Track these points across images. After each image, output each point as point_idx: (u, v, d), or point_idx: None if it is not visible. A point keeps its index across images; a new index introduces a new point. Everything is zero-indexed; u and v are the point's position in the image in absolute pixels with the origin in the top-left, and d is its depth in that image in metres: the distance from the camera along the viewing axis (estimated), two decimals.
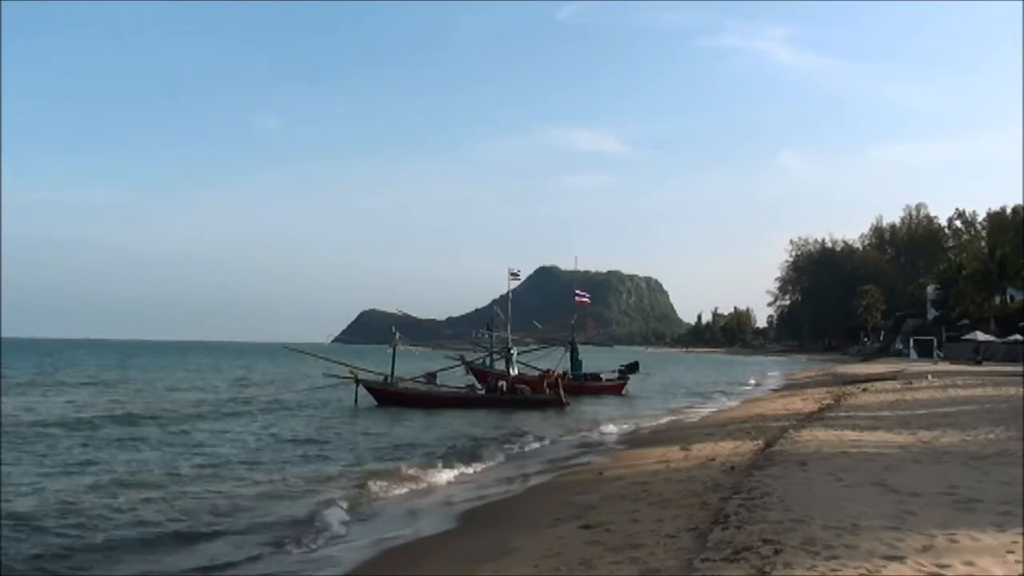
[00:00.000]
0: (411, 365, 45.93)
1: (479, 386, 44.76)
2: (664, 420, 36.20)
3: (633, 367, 56.71)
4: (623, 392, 53.51)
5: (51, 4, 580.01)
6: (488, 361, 50.06)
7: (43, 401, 41.19)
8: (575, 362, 54.60)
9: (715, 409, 41.52)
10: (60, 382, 56.42)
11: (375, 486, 18.16)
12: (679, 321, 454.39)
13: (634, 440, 27.82)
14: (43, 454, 22.97)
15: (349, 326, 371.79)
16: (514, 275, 51.74)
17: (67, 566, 12.36)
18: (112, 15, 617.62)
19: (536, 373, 47.65)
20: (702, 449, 20.77)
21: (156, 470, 20.62)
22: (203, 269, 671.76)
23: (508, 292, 51.50)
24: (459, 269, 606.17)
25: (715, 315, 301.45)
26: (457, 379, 46.60)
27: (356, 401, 40.77)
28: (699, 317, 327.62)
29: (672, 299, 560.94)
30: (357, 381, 41.46)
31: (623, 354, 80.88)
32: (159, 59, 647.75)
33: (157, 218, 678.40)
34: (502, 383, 43.14)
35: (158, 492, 17.45)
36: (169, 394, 48.70)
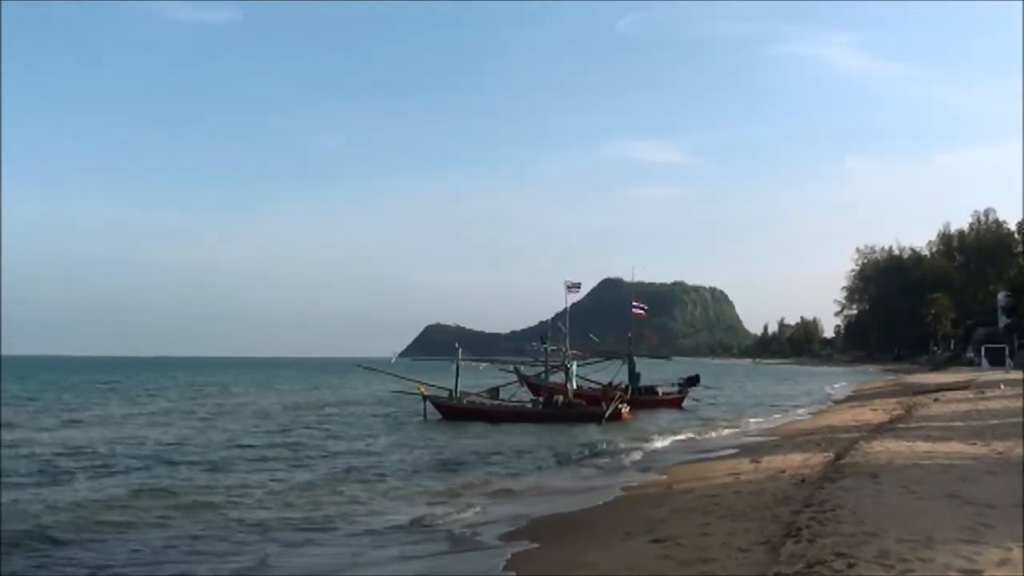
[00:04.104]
0: (475, 379, 46.38)
1: (536, 400, 44.85)
2: (729, 432, 35.97)
3: (693, 380, 56.08)
4: (682, 406, 53.22)
5: (113, 27, 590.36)
6: (545, 374, 49.97)
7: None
8: (632, 375, 54.27)
9: (783, 421, 41.13)
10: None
11: (435, 500, 18.69)
12: (745, 332, 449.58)
13: (700, 453, 27.65)
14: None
15: (414, 341, 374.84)
16: (573, 287, 51.45)
17: None
18: (168, 41, 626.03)
19: (593, 386, 47.56)
20: (772, 461, 20.62)
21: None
22: (264, 287, 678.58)
23: (566, 305, 51.33)
24: (522, 282, 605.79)
25: (781, 325, 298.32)
26: (525, 394, 46.91)
27: (425, 416, 41.30)
28: (765, 328, 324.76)
29: (738, 310, 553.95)
30: (424, 397, 42.00)
31: (684, 366, 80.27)
32: (217, 81, 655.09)
33: (216, 237, 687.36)
34: (558, 397, 43.12)
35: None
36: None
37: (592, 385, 48.18)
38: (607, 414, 40.17)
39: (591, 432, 35.56)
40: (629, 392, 46.39)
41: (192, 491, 19.42)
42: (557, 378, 47.23)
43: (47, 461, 24.74)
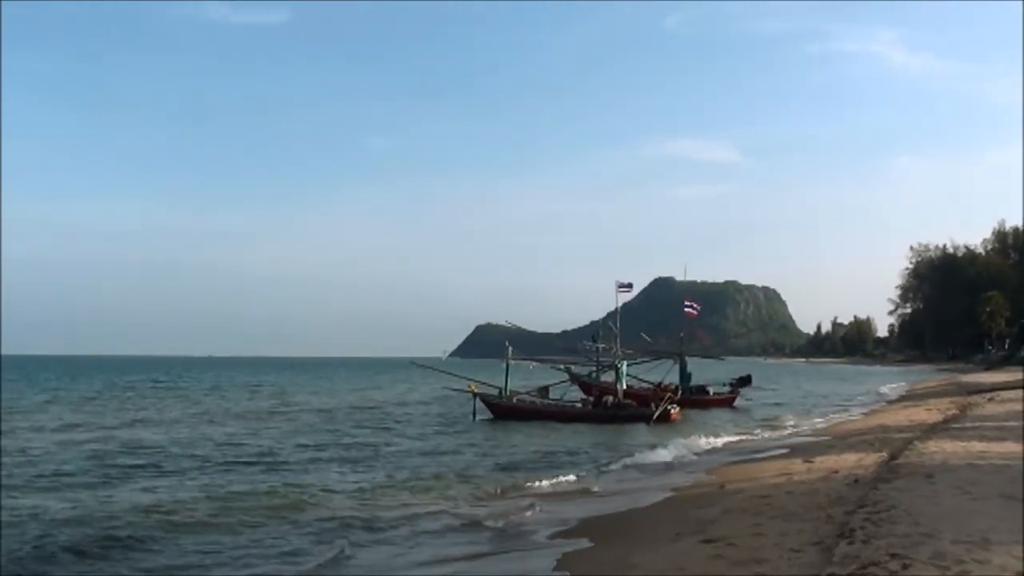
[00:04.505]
0: (525, 379, 46.50)
1: (586, 399, 44.88)
2: (780, 432, 35.78)
3: (745, 380, 55.87)
4: (734, 405, 52.95)
5: (159, 28, 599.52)
6: (595, 374, 49.92)
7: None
8: (684, 375, 54.14)
9: (836, 420, 40.82)
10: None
11: (487, 499, 18.89)
12: (798, 331, 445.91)
13: (750, 453, 27.52)
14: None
15: (465, 340, 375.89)
16: (624, 287, 51.29)
17: None
18: (212, 43, 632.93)
19: (644, 386, 47.46)
20: (824, 461, 20.47)
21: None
22: (316, 288, 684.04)
23: (617, 304, 51.25)
24: (574, 282, 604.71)
25: (835, 324, 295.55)
26: (575, 392, 46.98)
27: (474, 415, 41.49)
28: (818, 327, 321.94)
29: (791, 309, 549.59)
30: (475, 395, 42.19)
31: (736, 366, 79.58)
32: (263, 82, 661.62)
33: (268, 239, 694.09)
34: (608, 397, 43.04)
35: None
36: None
37: (643, 385, 48.10)
38: (656, 415, 40.05)
39: (640, 433, 35.63)
40: (679, 392, 46.24)
41: (261, 493, 19.55)
42: (608, 378, 47.17)
43: (116, 462, 25.00)
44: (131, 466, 24.15)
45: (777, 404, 55.46)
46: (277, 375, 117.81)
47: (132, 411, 47.30)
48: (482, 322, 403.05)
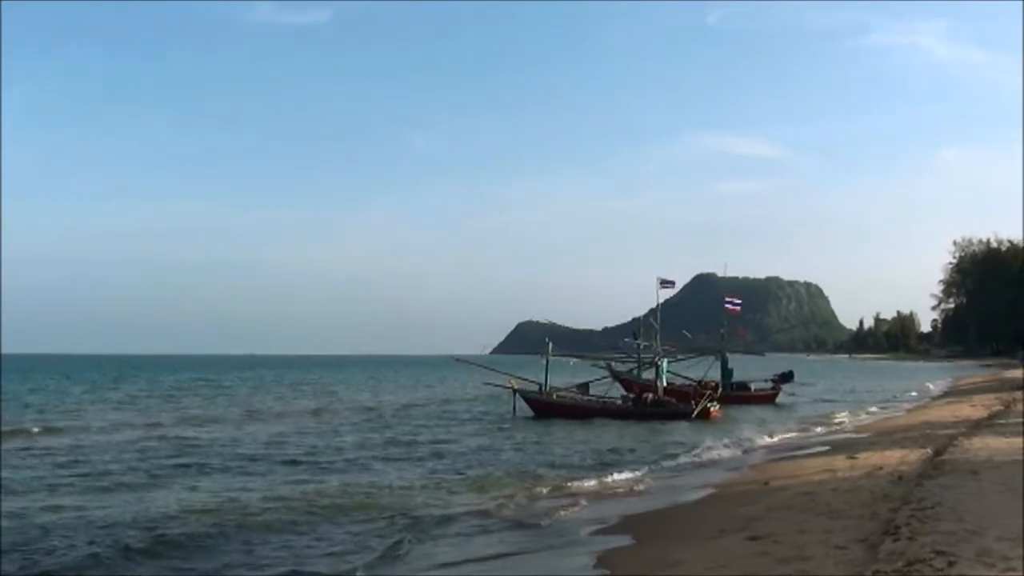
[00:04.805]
0: (565, 376, 46.58)
1: (626, 397, 44.96)
2: (823, 429, 35.60)
3: (787, 376, 55.60)
4: (776, 402, 52.74)
5: (201, 29, 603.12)
6: (637, 371, 49.94)
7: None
8: (725, 371, 54.01)
9: (879, 417, 40.58)
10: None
11: (530, 497, 18.90)
12: (841, 327, 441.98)
13: (793, 450, 27.45)
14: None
15: (507, 337, 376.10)
16: (666, 283, 51.11)
17: None
18: (253, 42, 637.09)
19: (685, 383, 47.37)
20: (868, 458, 20.38)
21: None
22: (359, 286, 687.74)
23: (658, 301, 51.13)
24: (615, 278, 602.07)
25: (877, 320, 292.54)
26: (617, 389, 47.00)
27: (514, 411, 41.65)
28: (861, 322, 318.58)
29: (833, 304, 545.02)
30: (514, 391, 42.32)
31: (778, 362, 79.22)
32: (306, 81, 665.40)
33: (307, 237, 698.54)
34: (647, 395, 43.00)
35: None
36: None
37: (685, 382, 48.00)
38: (695, 412, 40.00)
39: (680, 430, 35.56)
40: (720, 389, 46.11)
41: (309, 492, 19.67)
42: (650, 375, 47.17)
43: (163, 461, 25.18)
44: (179, 465, 24.37)
45: (819, 400, 55.14)
46: (321, 373, 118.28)
47: (178, 410, 47.78)
48: (524, 319, 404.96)
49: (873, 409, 46.36)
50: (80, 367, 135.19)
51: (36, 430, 33.89)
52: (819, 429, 35.59)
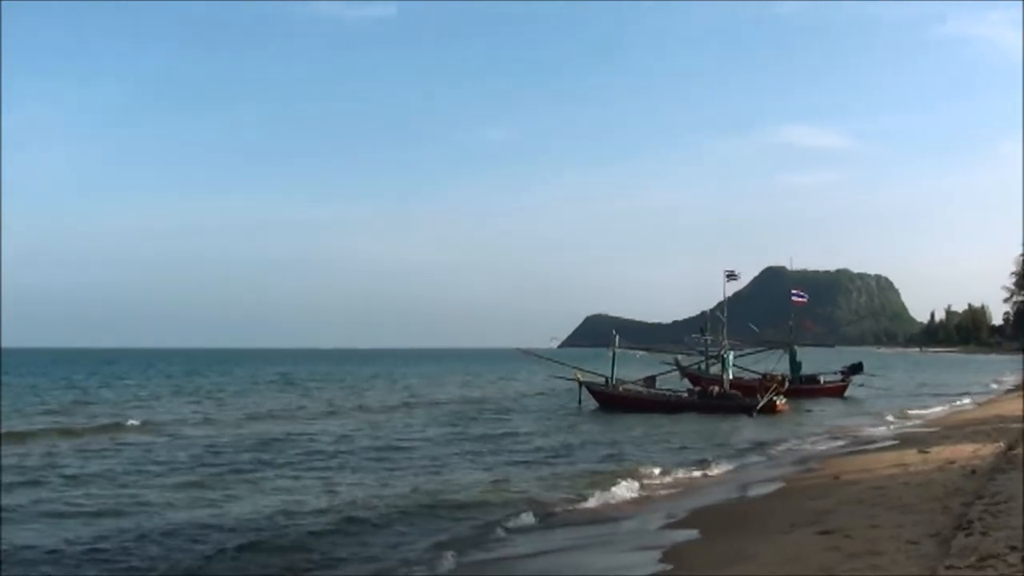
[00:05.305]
0: (632, 368, 46.53)
1: (692, 390, 44.90)
2: (893, 422, 35.23)
3: (856, 368, 54.96)
4: (844, 394, 52.21)
5: (265, 26, 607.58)
6: (704, 365, 49.71)
7: None
8: (793, 364, 53.56)
9: (950, 410, 40.04)
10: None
11: (598, 491, 18.82)
12: (911, 320, 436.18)
13: (863, 444, 27.21)
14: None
15: (575, 330, 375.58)
16: (731, 276, 50.74)
17: None
18: (319, 38, 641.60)
19: (751, 377, 47.09)
20: (940, 452, 20.19)
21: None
22: (429, 278, 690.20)
23: (724, 294, 50.89)
24: (684, 272, 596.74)
25: (948, 312, 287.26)
26: (679, 383, 46.88)
27: (580, 403, 41.80)
28: (932, 315, 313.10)
29: (903, 297, 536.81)
30: (580, 384, 42.35)
31: (847, 355, 78.14)
32: (373, 75, 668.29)
33: (381, 231, 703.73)
34: (714, 388, 42.82)
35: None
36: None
37: (752, 376, 47.74)
38: (760, 405, 39.77)
39: (746, 423, 35.49)
40: (787, 383, 45.72)
41: (384, 491, 19.51)
42: (717, 368, 47.00)
43: (240, 458, 25.11)
44: (261, 462, 24.17)
45: (889, 393, 54.38)
46: (393, 367, 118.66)
47: (263, 404, 47.74)
48: (593, 313, 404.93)
49: (944, 402, 45.72)
50: (160, 360, 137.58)
51: (134, 423, 34.31)
52: (888, 422, 35.24)
